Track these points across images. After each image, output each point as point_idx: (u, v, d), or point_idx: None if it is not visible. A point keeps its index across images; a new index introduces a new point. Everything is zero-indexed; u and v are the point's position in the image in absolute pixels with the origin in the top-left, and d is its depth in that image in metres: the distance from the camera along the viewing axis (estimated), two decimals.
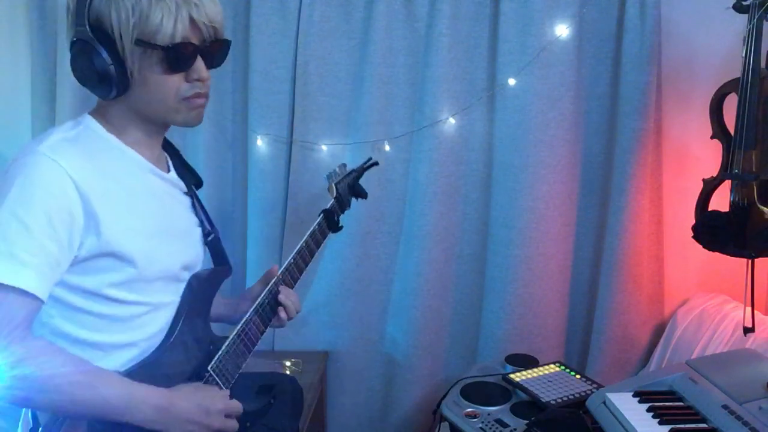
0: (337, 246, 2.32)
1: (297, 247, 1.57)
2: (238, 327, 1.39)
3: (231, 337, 1.36)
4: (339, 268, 2.32)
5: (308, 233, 1.61)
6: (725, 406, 1.45)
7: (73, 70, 1.20)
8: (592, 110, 2.22)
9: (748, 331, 1.85)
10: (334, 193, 1.76)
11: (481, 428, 1.77)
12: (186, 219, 1.37)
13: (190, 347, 1.30)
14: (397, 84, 2.23)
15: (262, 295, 1.46)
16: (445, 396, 1.95)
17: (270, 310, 1.48)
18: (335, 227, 1.74)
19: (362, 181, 2.24)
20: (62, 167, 1.12)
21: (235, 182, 2.37)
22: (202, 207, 1.42)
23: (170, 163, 1.39)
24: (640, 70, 2.10)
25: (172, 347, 1.27)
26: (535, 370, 2.03)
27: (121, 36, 1.15)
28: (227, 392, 1.31)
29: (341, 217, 1.80)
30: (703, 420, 1.47)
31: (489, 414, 1.83)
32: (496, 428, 1.76)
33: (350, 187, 1.86)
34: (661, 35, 2.12)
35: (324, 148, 2.26)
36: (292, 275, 1.55)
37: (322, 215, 1.68)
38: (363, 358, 2.39)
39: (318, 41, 2.20)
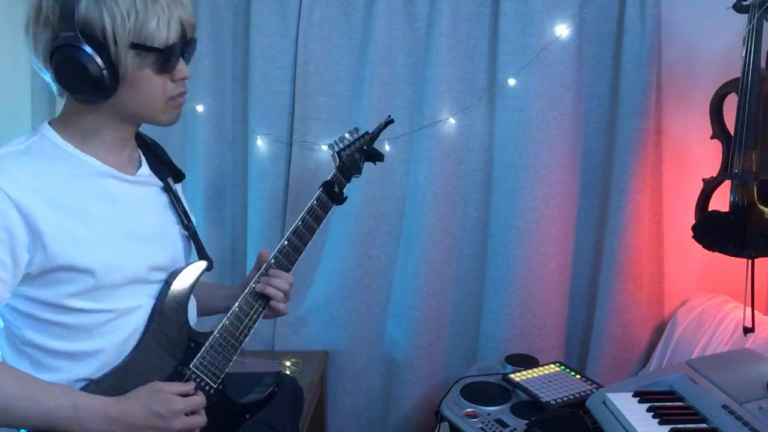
0: (337, 246, 2.32)
1: (293, 227, 1.49)
2: (224, 320, 1.37)
3: (215, 331, 1.35)
4: (339, 268, 2.32)
5: (305, 210, 1.53)
6: (725, 406, 1.45)
7: (59, 76, 1.18)
8: (592, 110, 2.22)
9: (748, 331, 1.85)
10: (337, 162, 1.65)
11: (481, 428, 1.77)
12: (160, 219, 1.35)
13: (165, 349, 1.28)
14: (397, 84, 2.22)
15: (250, 284, 1.42)
16: (445, 396, 1.95)
17: (259, 298, 1.43)
18: (338, 199, 1.62)
19: (362, 182, 2.25)
20: None
21: (235, 182, 2.37)
22: (180, 202, 1.40)
23: (143, 160, 1.36)
24: (640, 70, 2.10)
25: (144, 352, 1.26)
26: (535, 370, 2.03)
27: (115, 40, 1.15)
28: (190, 386, 1.27)
29: (351, 184, 1.69)
30: (703, 420, 1.47)
31: (489, 414, 1.83)
32: (496, 428, 1.76)
33: (362, 151, 1.72)
34: (661, 35, 2.11)
35: (324, 148, 2.26)
36: (288, 257, 1.47)
37: (321, 189, 1.58)
38: (363, 358, 2.38)
39: (318, 41, 2.20)
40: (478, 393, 1.92)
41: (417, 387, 2.34)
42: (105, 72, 1.16)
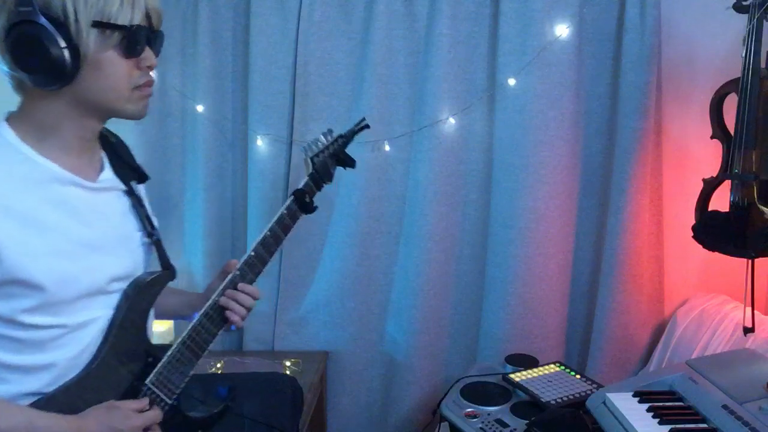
0: (337, 246, 2.32)
1: (260, 237, 1.41)
2: (184, 334, 1.31)
3: (174, 346, 1.29)
4: (339, 268, 2.32)
5: (274, 220, 1.44)
6: (725, 406, 1.45)
7: (15, 57, 1.10)
8: (592, 110, 2.22)
9: (748, 331, 1.85)
10: (310, 169, 1.54)
11: (481, 428, 1.77)
12: (121, 226, 1.29)
13: (123, 363, 1.23)
14: (397, 84, 2.23)
15: (213, 297, 1.35)
16: (445, 396, 1.95)
17: (221, 312, 1.35)
18: (308, 208, 1.52)
19: (362, 183, 2.25)
20: None
21: (235, 182, 2.37)
22: (143, 207, 1.34)
23: (105, 163, 1.29)
24: (640, 70, 2.10)
25: (100, 367, 1.21)
26: (535, 370, 2.03)
27: (76, 17, 1.09)
28: (144, 403, 1.24)
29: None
30: (703, 420, 1.47)
31: (489, 414, 1.83)
32: (496, 428, 1.76)
33: (334, 156, 1.62)
34: (661, 35, 2.12)
35: None
36: (253, 268, 1.40)
37: (292, 197, 1.48)
38: (363, 358, 2.39)
39: (318, 41, 2.20)
40: (478, 393, 1.92)
41: (417, 387, 2.34)
42: (65, 52, 1.09)
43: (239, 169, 2.36)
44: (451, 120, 2.21)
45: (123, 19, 1.13)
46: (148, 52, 1.19)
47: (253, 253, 1.40)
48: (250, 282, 1.39)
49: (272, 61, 2.21)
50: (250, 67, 2.22)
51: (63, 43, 1.09)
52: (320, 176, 1.56)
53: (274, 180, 2.28)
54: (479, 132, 2.25)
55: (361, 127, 1.70)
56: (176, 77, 2.27)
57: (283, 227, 1.45)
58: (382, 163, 2.26)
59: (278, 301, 2.37)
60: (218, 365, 2.19)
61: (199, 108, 2.26)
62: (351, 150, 2.23)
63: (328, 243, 2.35)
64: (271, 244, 1.43)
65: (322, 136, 1.60)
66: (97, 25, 1.12)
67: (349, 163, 1.66)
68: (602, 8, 2.14)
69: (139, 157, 2.24)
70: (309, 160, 1.55)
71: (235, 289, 1.36)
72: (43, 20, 1.08)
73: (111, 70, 1.16)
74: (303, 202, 1.50)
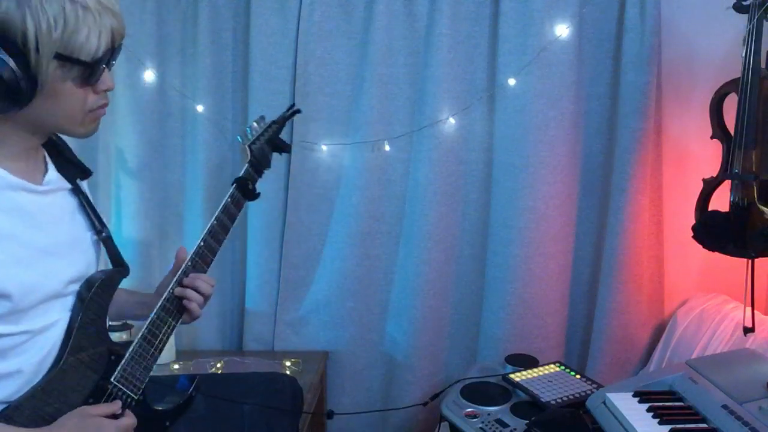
0: (337, 246, 2.32)
1: (207, 227, 1.42)
2: (143, 329, 1.30)
3: (135, 342, 1.29)
4: (339, 268, 2.32)
5: (220, 208, 1.45)
6: (725, 406, 1.45)
7: None
8: (592, 110, 2.22)
9: (748, 331, 1.85)
10: (249, 156, 1.56)
11: (481, 428, 1.77)
12: (72, 227, 1.27)
13: (85, 364, 1.22)
14: (397, 84, 2.23)
15: (168, 289, 1.35)
16: (441, 392, 1.95)
17: (177, 303, 1.36)
18: (251, 195, 1.55)
19: (362, 183, 2.25)
20: None
21: None
22: (90, 204, 1.31)
23: (49, 162, 1.26)
24: (640, 70, 2.10)
25: (63, 370, 1.19)
26: (535, 370, 2.03)
27: (38, 48, 1.05)
28: (117, 406, 1.22)
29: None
30: (703, 420, 1.47)
31: (489, 414, 1.83)
32: (496, 428, 1.76)
33: (270, 142, 1.64)
34: (661, 35, 2.12)
35: (324, 148, 2.26)
36: (204, 258, 1.41)
37: (234, 185, 1.51)
38: (363, 358, 2.39)
39: (318, 41, 2.20)
40: (478, 393, 1.92)
41: (417, 387, 2.34)
42: (21, 81, 1.06)
43: (239, 169, 2.34)
44: (451, 120, 2.21)
45: (87, 53, 1.09)
46: (105, 75, 1.16)
47: (202, 243, 1.41)
48: (203, 272, 1.40)
49: (272, 61, 2.21)
50: (250, 67, 2.22)
51: (19, 72, 1.06)
52: (259, 162, 1.59)
53: (274, 180, 2.28)
54: (479, 132, 2.25)
55: (292, 112, 1.73)
56: (176, 77, 2.27)
57: (228, 216, 1.47)
58: (382, 163, 2.26)
59: (278, 301, 2.37)
60: (218, 365, 2.19)
61: (199, 108, 2.26)
62: (352, 150, 2.26)
63: (328, 243, 2.35)
64: (218, 233, 1.45)
65: (255, 123, 1.62)
66: (60, 57, 1.08)
67: (284, 148, 1.70)
68: (602, 8, 2.14)
69: (140, 157, 2.29)
70: (247, 148, 1.58)
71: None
72: None
73: (67, 99, 1.13)
74: (246, 190, 1.53)
